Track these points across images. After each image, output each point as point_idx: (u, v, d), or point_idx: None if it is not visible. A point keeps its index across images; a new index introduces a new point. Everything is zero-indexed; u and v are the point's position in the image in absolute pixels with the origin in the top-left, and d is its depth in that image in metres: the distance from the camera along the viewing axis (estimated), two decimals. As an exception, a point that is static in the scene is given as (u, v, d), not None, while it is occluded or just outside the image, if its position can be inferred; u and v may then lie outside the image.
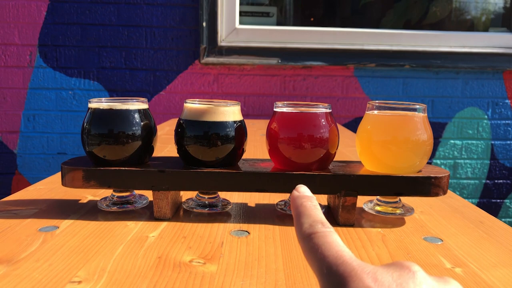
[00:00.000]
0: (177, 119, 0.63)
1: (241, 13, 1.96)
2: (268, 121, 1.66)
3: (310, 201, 0.32)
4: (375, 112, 0.63)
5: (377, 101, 0.63)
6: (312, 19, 2.29)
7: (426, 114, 0.62)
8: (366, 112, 0.64)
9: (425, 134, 0.61)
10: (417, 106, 0.61)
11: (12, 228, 0.56)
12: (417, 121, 0.61)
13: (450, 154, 2.00)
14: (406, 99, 1.93)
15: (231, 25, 1.90)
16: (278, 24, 2.12)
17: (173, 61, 1.91)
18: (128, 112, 0.60)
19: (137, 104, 0.62)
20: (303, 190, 0.34)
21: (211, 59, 1.87)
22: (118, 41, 1.88)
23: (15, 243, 0.52)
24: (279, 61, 1.89)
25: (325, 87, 1.94)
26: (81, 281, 0.43)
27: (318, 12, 2.30)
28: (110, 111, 0.60)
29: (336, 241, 0.28)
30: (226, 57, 1.88)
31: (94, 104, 0.61)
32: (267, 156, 0.66)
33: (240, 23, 1.93)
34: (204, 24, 1.85)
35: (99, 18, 1.87)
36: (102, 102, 0.61)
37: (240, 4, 1.94)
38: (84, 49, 1.88)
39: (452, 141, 1.99)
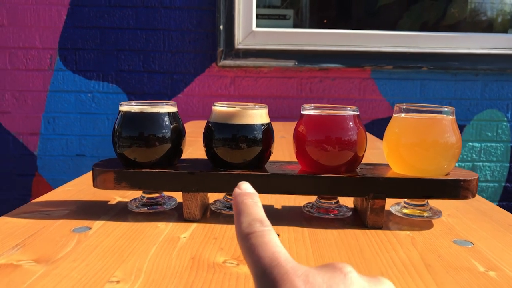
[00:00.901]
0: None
1: (258, 16, 1.97)
2: (286, 123, 1.67)
3: (251, 198, 0.31)
4: (403, 115, 0.63)
5: (404, 104, 0.63)
6: (325, 21, 2.28)
7: (454, 117, 0.62)
8: (394, 114, 0.64)
9: (453, 136, 0.60)
10: (446, 109, 0.61)
11: (46, 228, 0.58)
12: (445, 124, 0.61)
13: (469, 157, 1.98)
14: (423, 101, 1.92)
15: (248, 28, 1.91)
16: (295, 26, 2.13)
17: (191, 64, 1.92)
18: (158, 115, 0.61)
19: (166, 107, 0.63)
20: (245, 187, 0.33)
21: (228, 62, 1.89)
22: (136, 44, 1.90)
23: (50, 243, 0.53)
24: (296, 63, 1.90)
25: (342, 89, 1.94)
26: (119, 281, 0.44)
27: (334, 14, 2.30)
28: (141, 114, 0.61)
29: (273, 241, 0.28)
30: (243, 60, 1.89)
31: (125, 107, 0.62)
32: (289, 158, 0.67)
33: (257, 26, 1.93)
34: (221, 27, 1.86)
35: (117, 22, 1.89)
36: (133, 105, 0.62)
37: (257, 7, 1.95)
38: (103, 52, 1.91)
39: (470, 144, 1.97)
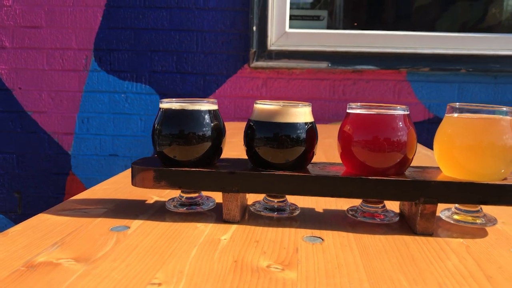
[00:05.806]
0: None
1: (291, 17, 1.94)
2: (318, 126, 1.63)
3: None
4: (455, 115, 0.60)
5: (457, 103, 0.59)
6: (355, 24, 2.24)
7: (513, 118, 0.57)
8: (446, 114, 0.61)
9: (512, 139, 0.56)
10: (504, 109, 0.57)
11: (84, 226, 0.57)
12: (504, 125, 0.57)
13: (510, 163, 1.89)
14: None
15: (281, 29, 1.88)
16: (329, 27, 2.09)
17: (223, 65, 1.91)
18: (199, 113, 0.60)
19: (207, 105, 0.61)
20: None
21: (260, 63, 1.87)
22: (169, 45, 1.91)
23: (89, 242, 0.52)
24: (329, 65, 1.86)
25: (376, 91, 1.89)
26: (160, 283, 0.42)
27: (369, 15, 2.25)
28: (182, 112, 0.59)
29: None
30: (276, 61, 1.87)
31: (166, 104, 0.60)
32: (327, 160, 0.64)
33: (290, 26, 1.91)
34: (254, 28, 1.85)
35: (151, 23, 1.90)
36: (173, 102, 0.60)
37: (291, 8, 1.92)
38: (137, 53, 1.92)
39: None
